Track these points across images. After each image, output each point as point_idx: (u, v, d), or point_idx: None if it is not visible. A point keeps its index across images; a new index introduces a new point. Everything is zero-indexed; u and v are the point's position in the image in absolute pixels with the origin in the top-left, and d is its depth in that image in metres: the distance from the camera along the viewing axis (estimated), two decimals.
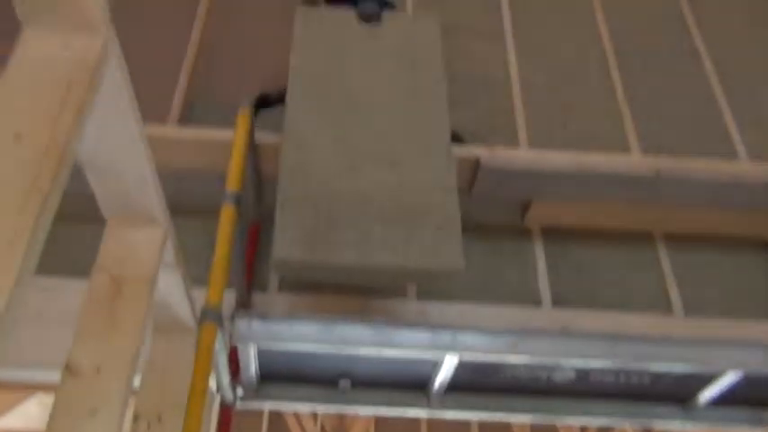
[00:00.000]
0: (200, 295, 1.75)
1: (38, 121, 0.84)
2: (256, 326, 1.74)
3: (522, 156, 2.33)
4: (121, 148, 1.15)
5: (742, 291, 2.57)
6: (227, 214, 1.73)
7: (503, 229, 2.62)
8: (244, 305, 2.15)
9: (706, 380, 2.11)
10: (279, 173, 1.85)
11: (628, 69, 3.23)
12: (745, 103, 3.16)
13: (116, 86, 1.05)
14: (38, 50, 0.91)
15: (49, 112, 0.86)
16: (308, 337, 1.80)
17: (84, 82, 0.92)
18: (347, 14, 2.36)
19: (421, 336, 1.84)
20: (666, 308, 2.50)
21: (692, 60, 3.33)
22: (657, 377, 2.09)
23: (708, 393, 2.14)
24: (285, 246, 1.72)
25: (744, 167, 2.47)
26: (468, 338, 1.81)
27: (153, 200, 1.28)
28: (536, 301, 2.45)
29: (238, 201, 1.78)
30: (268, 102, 2.35)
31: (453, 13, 3.36)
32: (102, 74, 0.98)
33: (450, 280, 1.77)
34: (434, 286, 2.02)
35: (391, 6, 2.65)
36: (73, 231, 2.38)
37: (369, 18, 2.29)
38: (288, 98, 2.02)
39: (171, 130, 2.30)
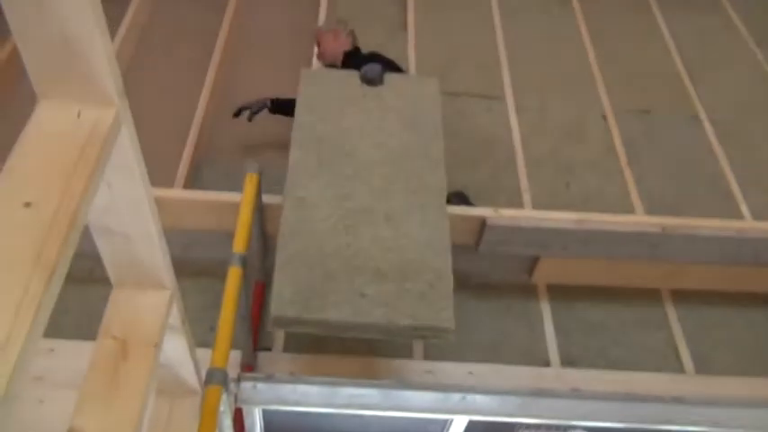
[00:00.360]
0: (205, 356, 1.74)
1: (48, 189, 0.86)
2: (261, 388, 1.72)
3: (527, 216, 2.34)
4: (130, 213, 1.17)
5: (753, 348, 2.54)
6: (233, 276, 1.74)
7: (510, 287, 2.61)
8: (249, 366, 2.13)
9: None
10: (279, 233, 1.90)
11: (627, 129, 3.28)
12: (746, 163, 3.19)
13: (126, 154, 1.08)
14: (51, 121, 0.94)
15: (59, 180, 0.88)
16: (313, 400, 1.78)
17: (96, 151, 0.94)
18: (350, 74, 2.44)
19: (429, 397, 1.82)
20: (677, 367, 2.47)
21: (692, 120, 3.38)
22: None
23: None
24: (281, 304, 1.75)
25: (747, 224, 2.47)
26: (476, 400, 1.78)
27: (160, 263, 1.29)
28: (545, 362, 2.42)
29: (244, 262, 1.79)
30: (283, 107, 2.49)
31: (456, 78, 3.44)
32: (113, 142, 1.01)
33: (441, 339, 1.75)
34: (427, 342, 1.98)
35: (397, 70, 2.72)
36: (79, 292, 2.39)
37: (371, 81, 2.37)
38: (290, 157, 2.09)
39: (179, 193, 2.34)
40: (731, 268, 2.49)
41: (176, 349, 1.51)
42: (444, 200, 2.09)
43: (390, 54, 3.23)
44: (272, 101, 2.78)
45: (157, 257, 1.28)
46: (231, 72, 3.39)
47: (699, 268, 2.50)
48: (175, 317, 1.43)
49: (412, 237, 1.92)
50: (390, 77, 2.43)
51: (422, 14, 3.80)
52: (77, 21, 0.84)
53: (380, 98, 2.32)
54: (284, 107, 2.73)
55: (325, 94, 2.32)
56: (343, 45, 2.83)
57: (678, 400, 1.87)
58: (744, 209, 2.99)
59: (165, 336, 1.38)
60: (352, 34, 2.90)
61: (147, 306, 1.34)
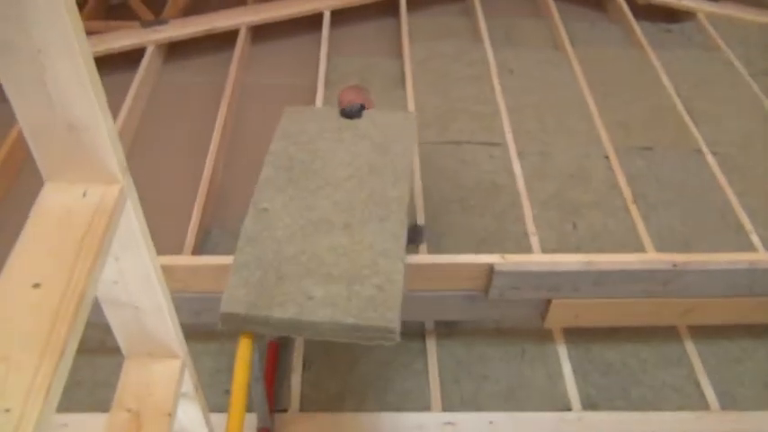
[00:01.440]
0: (221, 421, 1.74)
1: (56, 268, 0.89)
2: None
3: (534, 260, 2.34)
4: (138, 285, 1.19)
5: None
6: (244, 341, 1.74)
7: (524, 331, 2.60)
8: (266, 429, 2.11)
9: None
10: (238, 240, 1.99)
11: (630, 166, 3.30)
12: (752, 194, 3.19)
13: (132, 227, 1.11)
14: (57, 201, 0.98)
15: (67, 258, 0.91)
16: None
17: (101, 227, 0.97)
18: (330, 110, 2.55)
19: None
20: (702, 403, 2.42)
21: (695, 154, 3.40)
22: None
23: None
24: (230, 302, 1.83)
25: (759, 257, 2.45)
26: None
27: (170, 332, 1.31)
28: (566, 406, 2.39)
29: None
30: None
31: (456, 128, 3.50)
32: (119, 217, 1.04)
33: (386, 341, 1.79)
34: (373, 345, 1.91)
35: None
36: (91, 363, 2.40)
37: (349, 115, 2.47)
38: (260, 176, 2.19)
39: (187, 260, 2.36)
40: (747, 300, 2.46)
41: (190, 416, 1.51)
42: (404, 212, 2.13)
43: (390, 108, 3.31)
44: None
45: (168, 327, 1.30)
46: (237, 133, 3.46)
47: (714, 302, 2.47)
48: (188, 384, 1.44)
49: (367, 244, 1.98)
50: (369, 112, 2.52)
51: (419, 69, 3.89)
52: (81, 107, 0.88)
53: (356, 127, 2.42)
54: None
55: (303, 125, 2.42)
56: (368, 104, 2.75)
57: None
58: (755, 239, 2.97)
59: (179, 403, 1.39)
60: (368, 101, 2.85)
61: (160, 375, 1.35)
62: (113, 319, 1.28)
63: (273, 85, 3.22)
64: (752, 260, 2.35)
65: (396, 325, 1.77)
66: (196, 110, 3.57)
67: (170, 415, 1.29)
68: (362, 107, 2.51)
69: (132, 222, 1.11)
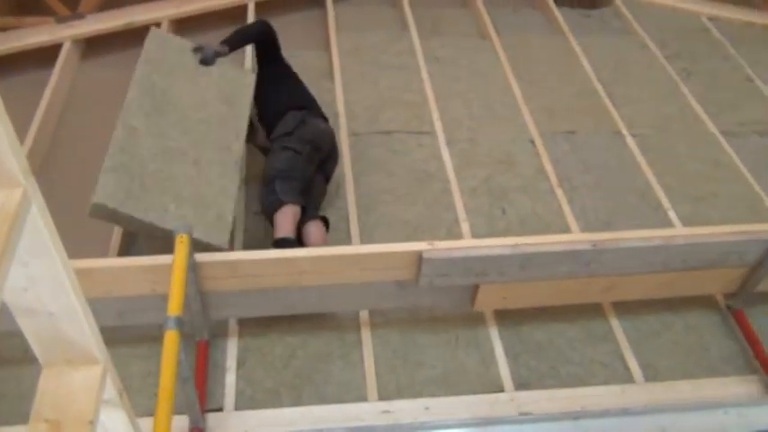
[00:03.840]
0: (151, 425, 1.70)
1: None
2: None
3: (461, 246, 2.38)
4: (50, 291, 1.15)
5: (695, 349, 2.62)
6: (170, 340, 1.71)
7: (457, 317, 2.64)
8: (198, 430, 2.09)
9: None
10: (109, 147, 2.38)
11: (555, 150, 3.39)
12: (670, 173, 3.33)
13: (39, 232, 1.07)
14: None
15: None
16: None
17: (3, 233, 0.93)
18: (188, 45, 2.94)
19: None
20: (627, 376, 2.52)
21: (615, 136, 3.52)
22: None
23: None
24: (104, 195, 2.22)
25: (673, 232, 2.56)
26: None
27: (88, 338, 1.27)
28: (499, 387, 2.44)
29: (181, 325, 1.76)
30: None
31: (386, 118, 3.52)
32: (23, 222, 1.00)
33: (218, 250, 2.35)
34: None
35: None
36: (14, 374, 2.32)
37: (205, 62, 2.89)
38: (128, 94, 2.60)
39: (109, 262, 2.30)
40: (665, 275, 2.57)
41: (115, 423, 1.47)
42: (240, 164, 2.71)
43: (319, 100, 3.29)
44: (225, 42, 2.99)
45: (85, 332, 1.26)
46: None
47: (635, 279, 2.56)
48: (111, 390, 1.41)
49: (210, 180, 2.51)
50: (222, 61, 2.94)
51: (346, 59, 3.88)
52: None
53: (209, 74, 2.89)
54: (236, 41, 3.02)
55: (165, 53, 2.82)
56: None
57: (625, 411, 1.91)
58: (672, 216, 3.11)
59: (102, 410, 1.35)
60: None
61: (79, 383, 1.31)
62: (27, 327, 1.23)
63: None
64: (666, 236, 2.45)
65: (225, 244, 2.39)
66: (117, 106, 3.44)
67: (91, 423, 1.26)
68: (216, 54, 2.88)
69: (39, 227, 1.07)
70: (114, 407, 1.43)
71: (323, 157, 2.89)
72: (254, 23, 3.33)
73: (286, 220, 2.51)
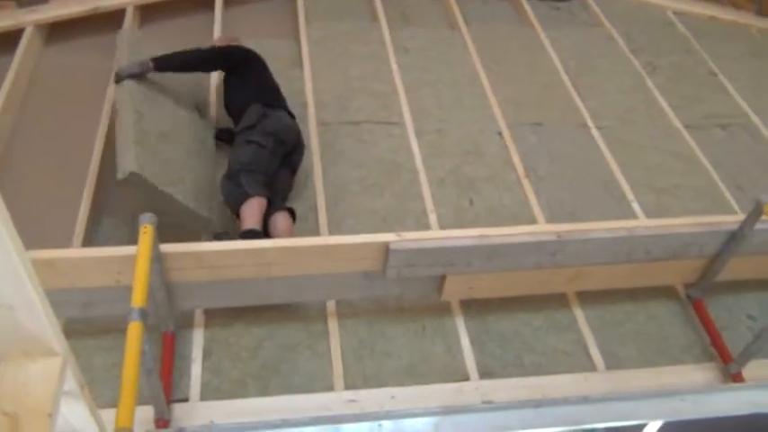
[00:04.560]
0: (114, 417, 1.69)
1: None
2: None
3: (428, 237, 2.40)
4: (5, 283, 1.14)
5: (657, 339, 2.68)
6: (133, 331, 1.70)
7: (423, 307, 2.66)
8: (163, 420, 2.08)
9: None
10: (122, 126, 2.61)
11: (522, 142, 3.43)
12: (633, 165, 3.39)
13: None
14: None
15: None
16: None
17: None
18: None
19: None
20: (589, 365, 2.57)
21: (581, 128, 3.57)
22: None
23: None
24: (137, 165, 2.42)
25: (636, 224, 2.61)
26: (392, 427, 1.80)
27: (47, 330, 1.26)
28: (464, 376, 2.47)
29: (144, 316, 1.75)
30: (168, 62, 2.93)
31: (355, 108, 3.52)
32: None
33: (208, 228, 2.69)
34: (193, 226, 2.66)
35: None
36: None
37: (117, 75, 2.87)
38: (126, 85, 2.77)
39: (72, 252, 2.27)
40: (628, 266, 2.62)
41: (77, 415, 1.46)
42: (211, 157, 3.00)
43: (287, 89, 3.28)
44: (155, 60, 2.88)
45: (43, 324, 1.24)
46: None
47: (598, 269, 2.61)
48: (71, 382, 1.39)
49: (198, 166, 2.82)
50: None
51: (316, 49, 3.86)
52: None
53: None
54: (170, 63, 2.92)
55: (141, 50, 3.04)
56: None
57: (585, 399, 1.95)
58: (636, 208, 3.16)
59: (63, 402, 1.34)
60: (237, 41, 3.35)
61: (38, 375, 1.29)
62: None
63: None
64: (629, 227, 2.50)
65: (213, 217, 2.69)
66: (82, 93, 3.40)
67: (50, 415, 1.25)
68: (131, 75, 2.83)
69: None
70: (75, 399, 1.42)
71: (288, 150, 2.89)
72: (211, 54, 3.06)
73: (252, 212, 2.51)
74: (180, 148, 2.75)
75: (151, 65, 2.85)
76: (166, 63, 2.89)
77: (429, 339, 2.58)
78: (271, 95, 3.00)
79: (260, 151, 2.71)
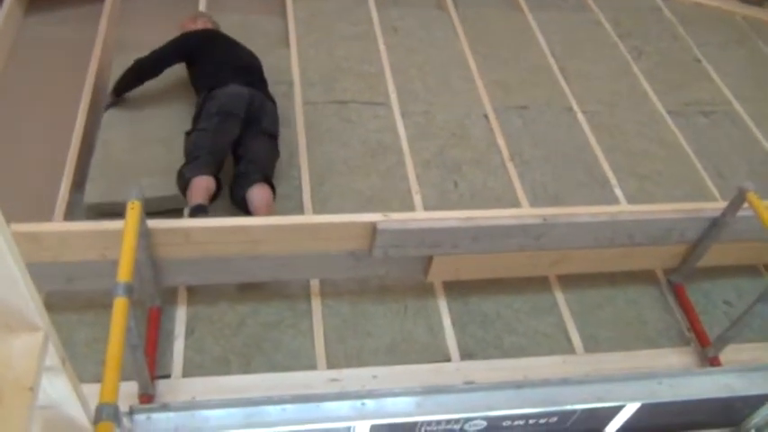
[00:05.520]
0: (96, 391, 1.69)
1: None
2: (157, 418, 1.69)
3: (415, 218, 2.40)
4: None
5: (635, 323, 2.72)
6: (119, 306, 1.69)
7: (407, 288, 2.67)
8: (148, 396, 2.08)
9: (611, 413, 2.20)
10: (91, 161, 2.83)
11: (508, 125, 3.43)
12: (617, 150, 3.41)
13: None
14: None
15: None
16: (213, 424, 1.76)
17: None
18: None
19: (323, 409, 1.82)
20: (568, 348, 2.60)
21: (566, 112, 3.58)
22: (565, 416, 2.16)
23: (614, 426, 2.23)
24: (90, 195, 2.69)
25: (620, 209, 2.64)
26: (374, 405, 1.82)
27: (28, 304, 1.25)
28: (446, 357, 2.50)
29: (130, 291, 1.74)
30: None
31: (341, 88, 3.49)
32: None
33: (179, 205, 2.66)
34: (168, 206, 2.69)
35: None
36: None
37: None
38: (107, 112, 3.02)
39: (57, 226, 2.25)
40: (610, 250, 2.65)
41: (59, 389, 1.45)
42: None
43: (273, 67, 3.25)
44: (113, 89, 3.07)
45: (24, 298, 1.23)
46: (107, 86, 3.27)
47: (581, 253, 2.64)
48: (53, 356, 1.39)
49: (177, 156, 2.77)
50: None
51: (302, 27, 3.82)
52: None
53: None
54: (126, 84, 3.05)
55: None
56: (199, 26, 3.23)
57: (564, 381, 1.98)
58: (618, 193, 3.19)
59: (45, 377, 1.33)
60: (210, 22, 3.29)
61: (20, 349, 1.28)
62: None
63: (147, 41, 3.05)
64: (613, 212, 2.52)
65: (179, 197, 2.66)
66: (64, 64, 3.34)
67: (32, 389, 1.24)
68: (106, 107, 3.07)
69: None
70: (57, 373, 1.42)
71: (248, 118, 2.82)
72: (159, 55, 3.02)
73: (196, 191, 2.52)
74: (154, 147, 2.92)
75: (110, 96, 3.06)
76: (123, 85, 3.04)
77: (411, 320, 2.59)
78: (218, 76, 2.91)
79: (200, 136, 2.71)
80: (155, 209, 2.56)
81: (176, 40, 3.06)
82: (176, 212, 2.65)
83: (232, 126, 2.76)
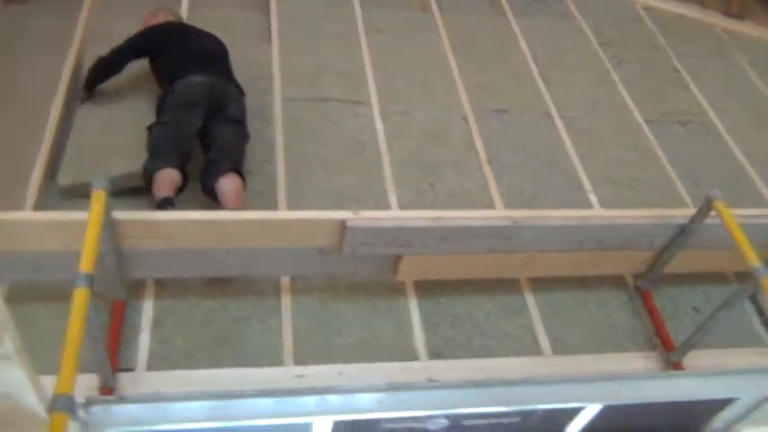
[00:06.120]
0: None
1: None
2: (115, 411, 1.68)
3: (385, 216, 2.41)
4: None
5: (604, 326, 2.74)
6: (79, 297, 1.68)
7: (377, 286, 2.68)
8: (108, 389, 2.07)
9: (571, 414, 2.22)
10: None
11: (486, 128, 3.45)
12: (593, 156, 3.44)
13: None
14: None
15: None
16: (172, 417, 1.76)
17: None
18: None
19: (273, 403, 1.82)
20: (536, 349, 2.62)
21: (545, 117, 3.60)
22: (526, 416, 2.18)
23: (574, 427, 2.25)
24: (62, 176, 2.72)
25: (589, 213, 2.66)
26: (335, 401, 1.82)
27: None
28: (413, 356, 2.50)
29: (91, 282, 1.74)
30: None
31: (322, 85, 3.50)
32: None
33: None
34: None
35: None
36: None
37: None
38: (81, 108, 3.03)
39: (21, 215, 2.23)
40: (580, 254, 2.67)
41: (13, 380, 1.45)
42: None
43: (255, 63, 3.25)
44: (83, 86, 3.09)
45: None
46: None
47: (551, 256, 2.66)
48: (8, 346, 1.39)
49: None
50: None
51: (286, 25, 3.83)
52: None
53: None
54: (93, 80, 3.06)
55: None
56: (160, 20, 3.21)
57: (528, 380, 2.00)
58: (593, 199, 3.21)
59: None
60: (171, 14, 3.32)
61: None
62: None
63: (127, 34, 3.05)
64: (583, 216, 2.54)
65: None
66: (41, 54, 3.32)
67: None
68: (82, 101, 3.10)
69: None
70: (11, 363, 1.42)
71: (210, 106, 2.81)
72: (117, 54, 3.03)
73: (161, 185, 2.53)
74: (127, 128, 2.92)
75: (81, 92, 3.09)
76: (89, 82, 3.07)
77: (381, 318, 2.60)
78: (178, 69, 2.91)
79: (161, 129, 2.72)
80: (124, 186, 2.61)
81: (133, 37, 3.06)
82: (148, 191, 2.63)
83: (193, 116, 2.75)
